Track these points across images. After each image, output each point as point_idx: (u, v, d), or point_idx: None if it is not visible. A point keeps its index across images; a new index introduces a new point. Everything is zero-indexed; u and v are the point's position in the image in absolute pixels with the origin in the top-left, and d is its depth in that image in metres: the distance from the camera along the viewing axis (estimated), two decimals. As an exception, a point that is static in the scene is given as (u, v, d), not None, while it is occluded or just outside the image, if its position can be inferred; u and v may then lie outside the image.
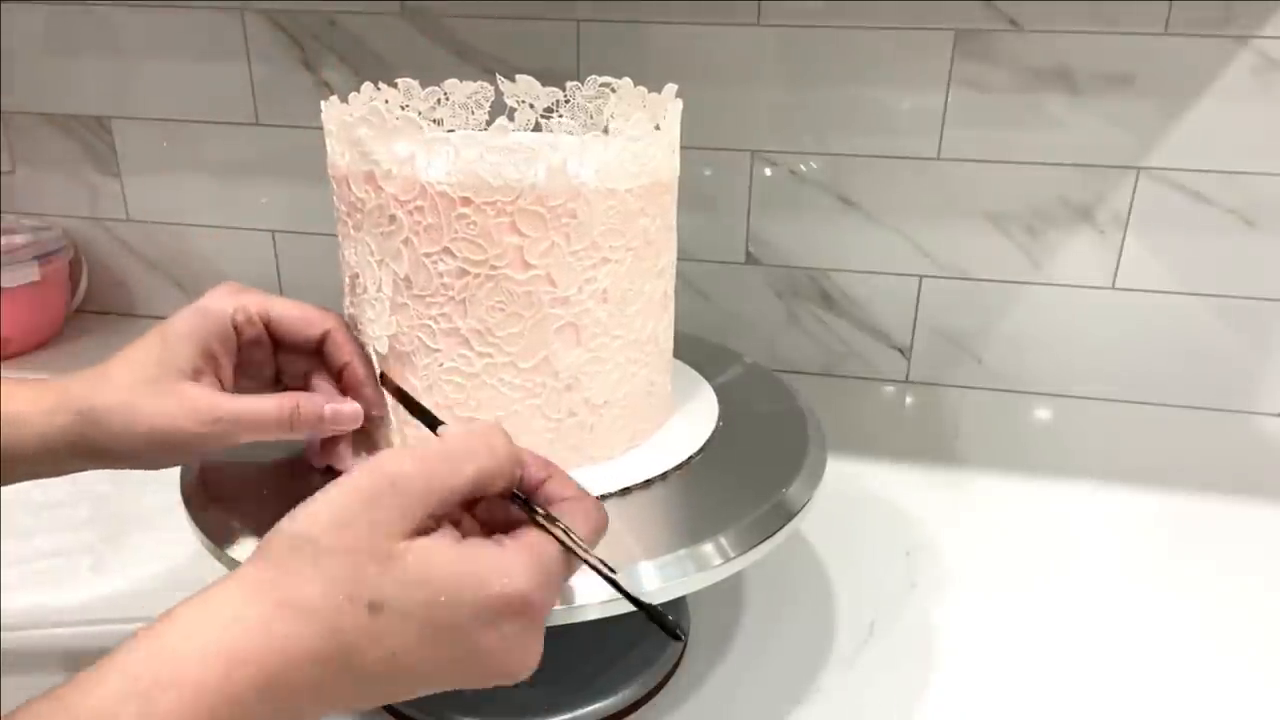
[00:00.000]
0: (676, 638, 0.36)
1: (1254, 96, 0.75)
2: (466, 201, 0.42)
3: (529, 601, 0.32)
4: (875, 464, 0.76)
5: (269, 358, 0.47)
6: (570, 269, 0.44)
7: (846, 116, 0.82)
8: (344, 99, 0.48)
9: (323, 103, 0.46)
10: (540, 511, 0.35)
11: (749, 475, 0.49)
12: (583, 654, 0.52)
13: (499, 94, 0.55)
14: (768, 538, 0.44)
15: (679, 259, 0.53)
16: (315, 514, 0.31)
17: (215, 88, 0.92)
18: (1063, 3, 0.76)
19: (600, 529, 0.36)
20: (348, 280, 0.48)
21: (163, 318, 0.45)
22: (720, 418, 0.54)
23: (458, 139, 0.42)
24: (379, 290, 0.46)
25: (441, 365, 0.45)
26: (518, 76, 0.54)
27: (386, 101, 0.52)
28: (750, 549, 0.43)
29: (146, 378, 0.42)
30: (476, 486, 0.33)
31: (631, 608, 0.36)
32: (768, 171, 0.85)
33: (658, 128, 0.46)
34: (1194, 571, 0.63)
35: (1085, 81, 0.78)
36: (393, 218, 0.43)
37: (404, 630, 0.30)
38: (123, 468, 0.44)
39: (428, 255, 0.43)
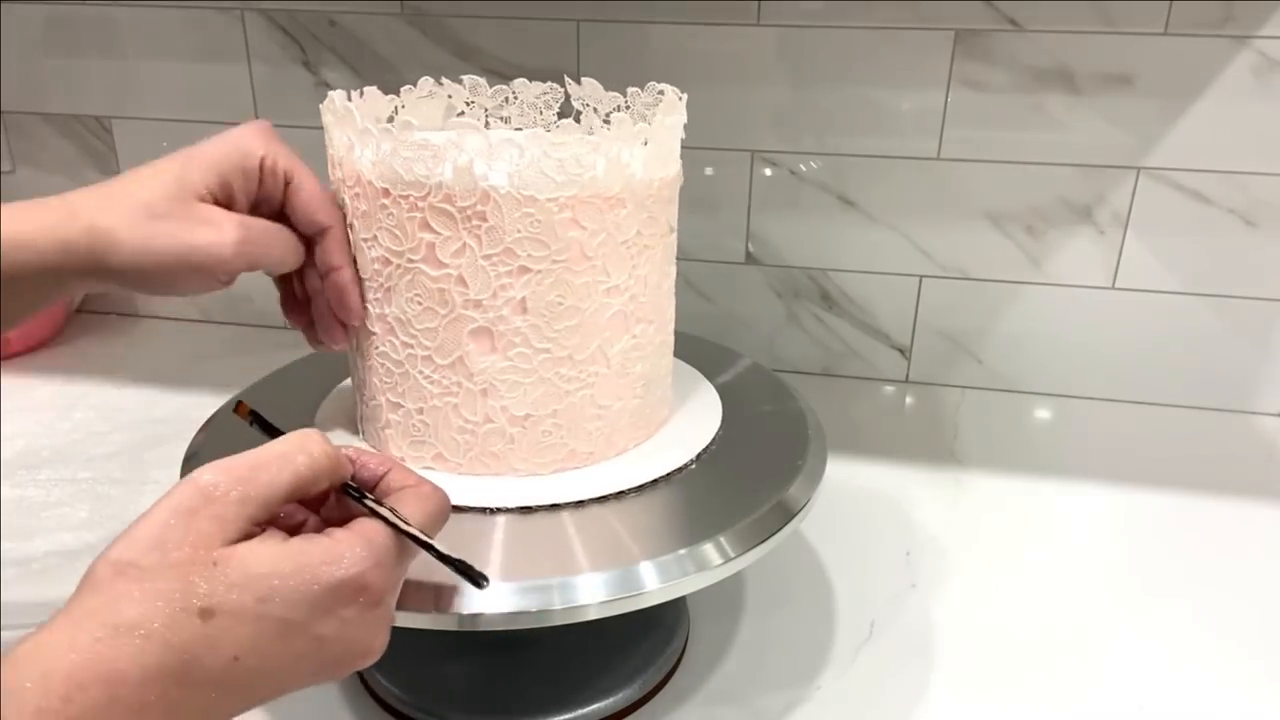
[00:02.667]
0: (479, 585, 0.36)
1: (1254, 96, 0.75)
2: (386, 193, 0.43)
3: (364, 584, 0.33)
4: (875, 464, 0.76)
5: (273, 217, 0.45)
6: (483, 273, 0.43)
7: (846, 116, 0.82)
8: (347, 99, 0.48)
9: (323, 105, 0.46)
10: (368, 497, 0.36)
11: (749, 475, 0.49)
12: (583, 654, 0.52)
13: (568, 95, 0.54)
14: (768, 538, 0.44)
15: (679, 259, 0.53)
16: (135, 538, 0.31)
17: (215, 88, 0.92)
18: (1063, 3, 0.76)
19: (436, 512, 0.37)
20: None
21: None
22: (721, 418, 0.54)
23: (379, 132, 0.43)
24: None
25: (376, 349, 0.47)
26: (583, 80, 0.53)
27: (450, 96, 0.53)
28: (750, 549, 0.43)
29: (165, 194, 0.41)
30: (295, 490, 0.34)
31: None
32: (768, 171, 0.85)
33: (646, 143, 0.45)
34: (1194, 571, 0.63)
35: (1085, 81, 0.78)
36: (343, 202, 0.46)
37: (240, 632, 0.30)
38: (129, 288, 0.43)
39: (364, 240, 0.45)
